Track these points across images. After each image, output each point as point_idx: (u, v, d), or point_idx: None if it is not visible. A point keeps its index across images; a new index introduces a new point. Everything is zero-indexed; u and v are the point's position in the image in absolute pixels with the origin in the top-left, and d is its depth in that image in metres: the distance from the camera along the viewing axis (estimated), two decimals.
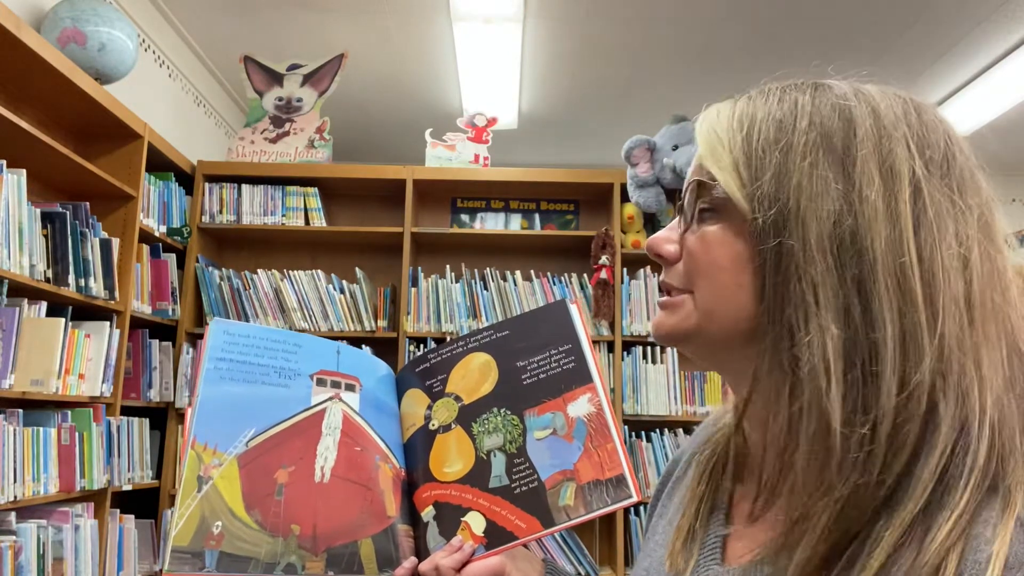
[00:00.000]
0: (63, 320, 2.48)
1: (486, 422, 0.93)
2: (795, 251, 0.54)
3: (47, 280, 2.47)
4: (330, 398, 0.93)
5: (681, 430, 3.45)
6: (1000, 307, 0.53)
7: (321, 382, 0.93)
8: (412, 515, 0.92)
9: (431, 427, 0.95)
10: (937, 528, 0.48)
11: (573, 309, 0.97)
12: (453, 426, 0.94)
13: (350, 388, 0.95)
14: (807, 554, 0.52)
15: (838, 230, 0.53)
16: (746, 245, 0.57)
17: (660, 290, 0.66)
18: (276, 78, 3.79)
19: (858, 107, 0.57)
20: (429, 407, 0.96)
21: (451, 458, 0.92)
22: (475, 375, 0.96)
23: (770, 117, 0.58)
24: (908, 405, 0.50)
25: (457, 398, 0.95)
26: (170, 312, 3.33)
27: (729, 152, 0.59)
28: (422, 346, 3.50)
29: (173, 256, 3.39)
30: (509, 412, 0.93)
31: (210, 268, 3.51)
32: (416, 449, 0.95)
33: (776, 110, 0.59)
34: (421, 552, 0.89)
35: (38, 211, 2.46)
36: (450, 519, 0.89)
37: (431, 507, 0.90)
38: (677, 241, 0.63)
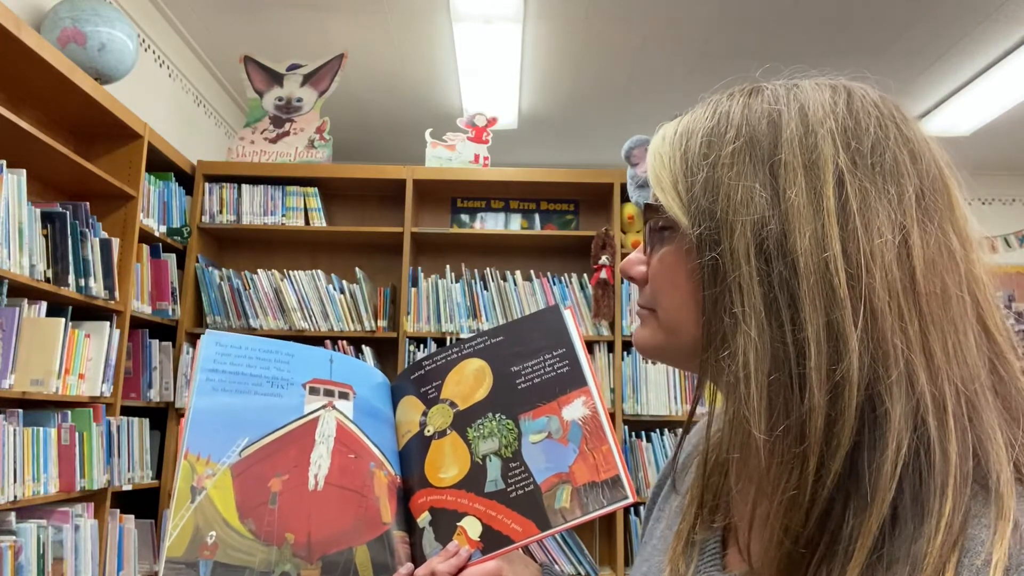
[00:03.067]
0: (63, 320, 2.48)
1: (481, 427, 0.93)
2: (724, 261, 0.55)
3: (47, 280, 2.48)
4: (323, 406, 0.93)
5: (681, 430, 3.45)
6: (951, 290, 0.52)
7: (314, 391, 0.94)
8: (408, 521, 0.92)
9: (426, 433, 0.95)
10: (927, 537, 0.47)
11: (567, 314, 0.97)
12: (448, 432, 0.94)
13: (343, 396, 0.95)
14: (768, 565, 0.52)
15: (763, 235, 0.53)
16: (692, 260, 0.58)
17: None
18: (276, 78, 3.79)
19: (786, 109, 0.57)
20: (424, 413, 0.96)
21: (446, 463, 0.92)
22: (470, 381, 0.96)
23: (702, 131, 0.59)
24: (837, 402, 0.50)
25: (452, 404, 0.95)
26: (170, 312, 3.34)
27: (670, 172, 0.60)
28: (422, 346, 3.50)
29: (173, 256, 3.40)
30: (504, 417, 0.93)
31: (210, 268, 3.51)
32: (411, 455, 0.95)
33: (708, 123, 0.60)
34: (417, 558, 0.89)
35: (38, 211, 2.46)
36: (446, 524, 0.89)
37: (427, 513, 0.91)
38: (645, 262, 0.65)
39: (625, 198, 3.59)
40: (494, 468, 0.91)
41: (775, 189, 0.54)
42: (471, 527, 0.88)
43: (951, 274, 0.52)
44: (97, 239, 2.75)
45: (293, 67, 3.79)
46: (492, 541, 0.87)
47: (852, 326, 0.50)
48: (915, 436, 0.49)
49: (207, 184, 3.59)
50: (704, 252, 0.56)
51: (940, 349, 0.50)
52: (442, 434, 0.94)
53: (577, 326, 0.97)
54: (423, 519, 0.91)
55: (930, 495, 0.47)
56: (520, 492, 0.89)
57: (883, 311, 0.50)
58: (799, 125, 0.55)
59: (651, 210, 0.62)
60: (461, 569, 0.85)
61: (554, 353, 0.95)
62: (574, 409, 0.92)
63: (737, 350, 0.53)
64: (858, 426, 0.50)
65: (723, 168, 0.56)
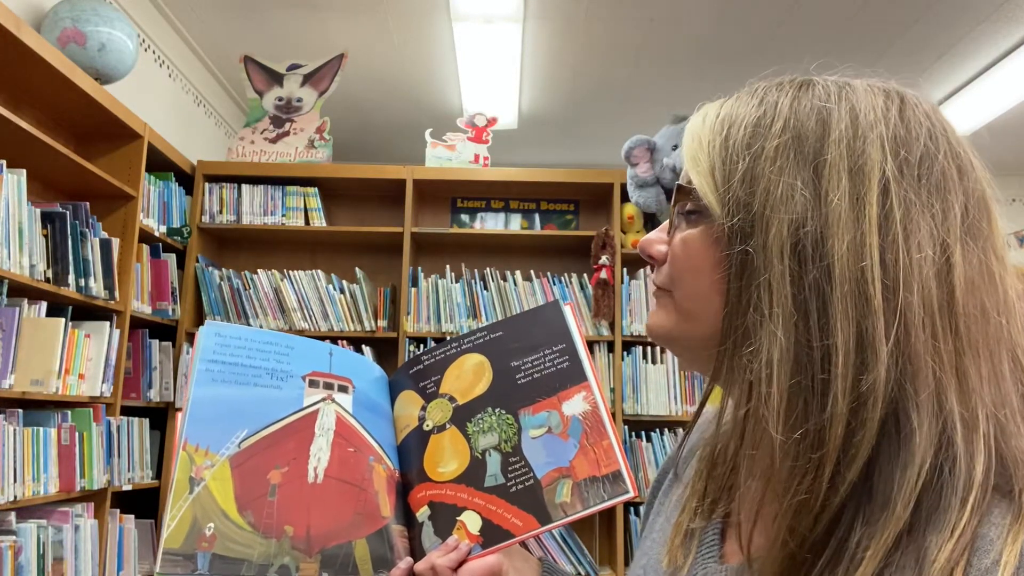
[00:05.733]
0: (63, 320, 2.48)
1: (481, 422, 0.93)
2: (756, 256, 0.54)
3: (47, 280, 2.48)
4: (323, 399, 0.93)
5: (681, 430, 3.45)
6: (990, 313, 0.51)
7: (313, 383, 0.93)
8: (407, 516, 0.92)
9: (425, 428, 0.95)
10: (937, 549, 0.46)
11: (566, 309, 0.97)
12: (447, 426, 0.94)
13: (343, 389, 0.95)
14: (769, 564, 0.52)
15: (800, 235, 0.52)
16: (720, 249, 0.57)
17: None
18: (276, 78, 3.79)
19: (837, 108, 0.55)
20: (423, 408, 0.96)
21: (446, 458, 0.92)
22: (469, 376, 0.96)
23: (747, 120, 0.58)
24: (859, 412, 0.49)
25: (451, 399, 0.95)
26: (170, 312, 3.33)
27: (708, 157, 0.59)
28: (422, 346, 3.50)
29: (173, 256, 3.40)
30: (504, 412, 0.93)
31: (210, 268, 3.51)
32: (410, 450, 0.95)
33: (755, 112, 0.58)
34: (416, 552, 0.89)
35: (38, 211, 2.46)
36: (445, 519, 0.89)
37: (426, 507, 0.91)
38: (667, 242, 0.64)
39: (625, 198, 3.59)
40: (494, 463, 0.90)
41: (817, 190, 0.53)
42: (471, 521, 0.88)
43: (991, 297, 0.51)
44: (97, 239, 2.75)
45: (293, 67, 3.79)
46: (492, 535, 0.87)
47: (883, 338, 0.49)
48: (940, 455, 0.48)
49: (207, 184, 3.59)
50: (735, 244, 0.55)
51: (974, 371, 0.49)
52: (441, 429, 0.94)
53: (577, 321, 0.97)
54: (422, 513, 0.90)
55: (949, 510, 0.47)
56: (520, 487, 0.89)
57: (917, 326, 0.49)
58: (849, 127, 0.54)
59: (682, 192, 0.61)
60: (461, 563, 0.85)
61: (554, 348, 0.95)
62: (574, 404, 0.92)
63: (760, 348, 0.52)
64: (877, 438, 0.49)
65: (766, 161, 0.55)
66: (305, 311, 3.48)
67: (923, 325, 0.49)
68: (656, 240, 0.65)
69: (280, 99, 3.76)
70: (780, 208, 0.53)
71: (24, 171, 2.36)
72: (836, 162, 0.53)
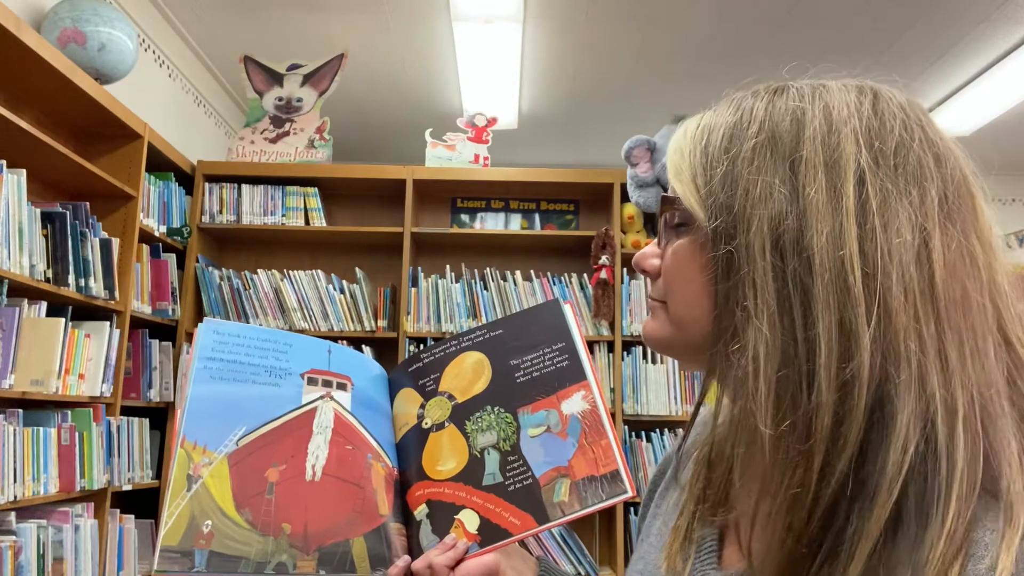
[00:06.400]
0: (63, 320, 2.48)
1: (480, 420, 0.93)
2: (739, 255, 0.55)
3: (47, 280, 2.48)
4: (321, 397, 0.93)
5: (681, 430, 3.44)
6: (972, 295, 0.51)
7: (312, 381, 0.93)
8: (405, 514, 0.92)
9: (424, 426, 0.95)
10: (930, 543, 0.46)
11: (566, 308, 0.97)
12: (446, 424, 0.94)
13: (341, 387, 0.95)
14: (769, 564, 0.52)
15: (780, 231, 0.53)
16: (707, 254, 0.58)
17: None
18: (276, 78, 3.79)
19: (810, 107, 0.57)
20: (422, 406, 0.96)
21: (444, 456, 0.92)
22: (468, 374, 0.96)
23: (725, 127, 0.59)
24: (846, 401, 0.49)
25: (450, 396, 0.95)
26: (170, 312, 3.34)
27: (690, 165, 0.60)
28: (422, 346, 3.50)
29: (173, 256, 3.40)
30: (503, 410, 0.93)
31: (210, 268, 3.51)
32: (409, 448, 0.95)
33: (732, 119, 0.60)
34: (414, 551, 0.89)
35: (38, 211, 2.46)
36: (443, 517, 0.89)
37: (424, 505, 0.90)
38: (660, 255, 0.65)
39: (625, 198, 3.59)
40: (492, 461, 0.90)
41: (794, 186, 0.54)
42: (469, 520, 0.88)
43: (972, 280, 0.52)
44: (97, 239, 2.75)
45: (293, 67, 3.80)
46: (490, 534, 0.87)
47: (865, 325, 0.49)
48: (923, 440, 0.48)
49: (207, 184, 3.59)
50: (719, 245, 0.56)
51: (956, 353, 0.50)
52: (440, 427, 0.94)
53: (577, 320, 0.97)
54: (420, 512, 0.90)
55: (934, 500, 0.47)
56: (518, 485, 0.89)
57: (897, 311, 0.50)
58: (822, 123, 0.55)
59: (667, 203, 0.63)
60: (459, 562, 0.85)
61: (553, 347, 0.95)
62: (573, 403, 0.92)
63: (747, 344, 0.53)
64: (866, 427, 0.49)
65: (743, 163, 0.56)
66: (305, 311, 3.49)
67: (904, 310, 0.50)
68: (650, 254, 0.66)
69: (280, 99, 3.76)
70: (760, 206, 0.54)
71: (24, 171, 2.36)
72: (811, 158, 0.54)
